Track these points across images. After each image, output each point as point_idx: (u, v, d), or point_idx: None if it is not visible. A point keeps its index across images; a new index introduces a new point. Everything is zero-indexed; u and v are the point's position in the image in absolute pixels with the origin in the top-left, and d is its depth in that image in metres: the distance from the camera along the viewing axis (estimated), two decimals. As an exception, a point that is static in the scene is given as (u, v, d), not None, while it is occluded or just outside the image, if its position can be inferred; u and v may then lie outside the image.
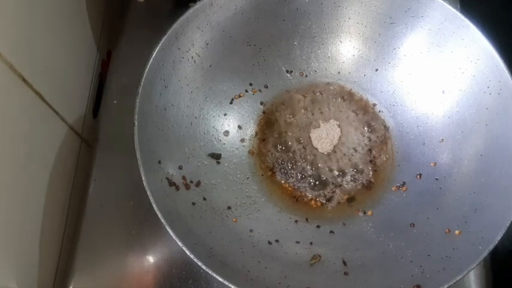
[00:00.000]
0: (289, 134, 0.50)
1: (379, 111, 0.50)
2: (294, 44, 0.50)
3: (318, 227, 0.45)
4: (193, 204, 0.43)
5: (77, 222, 0.48)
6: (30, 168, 0.41)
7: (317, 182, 0.47)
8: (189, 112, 0.46)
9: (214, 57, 0.47)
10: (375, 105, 0.50)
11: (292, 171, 0.48)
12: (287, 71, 0.51)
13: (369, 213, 0.46)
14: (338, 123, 0.50)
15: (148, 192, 0.38)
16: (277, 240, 0.43)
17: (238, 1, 0.46)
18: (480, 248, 0.37)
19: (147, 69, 0.41)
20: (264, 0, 0.47)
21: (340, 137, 0.49)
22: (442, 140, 0.46)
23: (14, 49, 0.37)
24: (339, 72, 0.51)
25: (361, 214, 0.46)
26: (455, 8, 0.45)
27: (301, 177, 0.48)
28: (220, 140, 0.48)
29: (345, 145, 0.49)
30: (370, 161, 0.48)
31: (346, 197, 0.47)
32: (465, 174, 0.43)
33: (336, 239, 0.44)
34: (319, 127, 0.50)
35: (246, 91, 0.50)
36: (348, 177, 0.48)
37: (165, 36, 0.42)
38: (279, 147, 0.49)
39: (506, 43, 0.41)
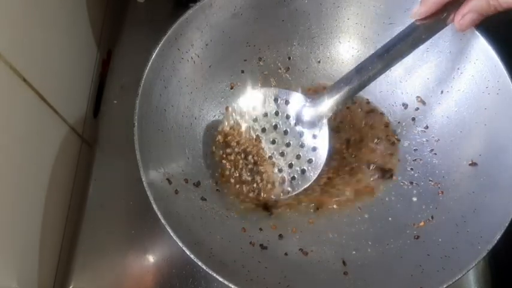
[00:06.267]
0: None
1: (379, 111, 0.50)
2: (293, 45, 0.50)
3: (318, 226, 0.45)
4: (193, 204, 0.43)
5: (77, 222, 0.48)
6: (30, 168, 0.41)
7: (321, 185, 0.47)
8: (189, 113, 0.46)
9: (214, 57, 0.47)
10: (373, 105, 0.50)
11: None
12: (287, 71, 0.51)
13: (369, 213, 0.46)
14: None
15: (148, 192, 0.38)
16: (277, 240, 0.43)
17: (237, 2, 0.46)
18: (479, 247, 0.37)
19: (146, 70, 0.41)
20: (264, 0, 0.47)
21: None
22: (441, 140, 0.46)
23: (14, 49, 0.37)
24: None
25: (360, 214, 0.46)
26: (454, 8, 0.45)
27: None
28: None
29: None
30: (371, 162, 0.48)
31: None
32: (464, 174, 0.43)
33: (336, 238, 0.44)
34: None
35: (246, 91, 0.50)
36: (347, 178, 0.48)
37: (165, 37, 0.42)
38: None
39: (505, 43, 0.41)
